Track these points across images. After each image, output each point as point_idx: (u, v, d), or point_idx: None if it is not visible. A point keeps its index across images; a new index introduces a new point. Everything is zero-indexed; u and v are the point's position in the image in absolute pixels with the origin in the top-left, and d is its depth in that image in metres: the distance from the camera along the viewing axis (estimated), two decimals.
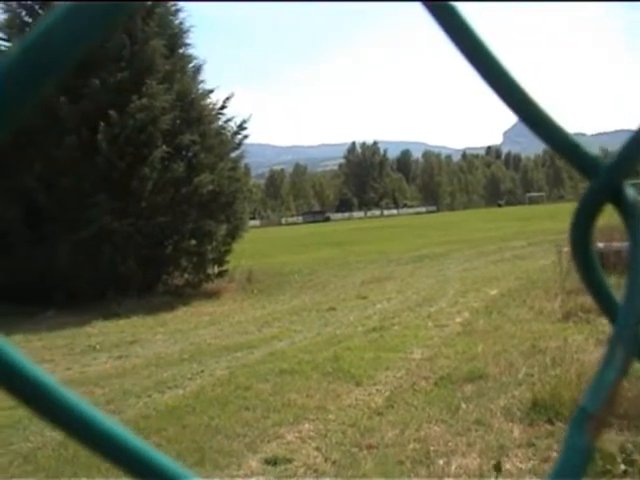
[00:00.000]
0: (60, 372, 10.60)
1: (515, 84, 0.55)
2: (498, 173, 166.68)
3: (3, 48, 19.58)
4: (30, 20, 19.55)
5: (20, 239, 18.22)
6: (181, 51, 20.10)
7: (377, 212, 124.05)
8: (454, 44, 0.54)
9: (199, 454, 6.19)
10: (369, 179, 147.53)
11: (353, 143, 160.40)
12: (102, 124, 17.19)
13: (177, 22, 20.14)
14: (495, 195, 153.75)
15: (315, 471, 5.64)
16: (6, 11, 19.71)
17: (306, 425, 6.86)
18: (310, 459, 5.91)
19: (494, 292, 15.39)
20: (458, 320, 12.31)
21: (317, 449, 6.14)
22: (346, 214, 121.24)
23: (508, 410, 6.81)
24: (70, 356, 11.94)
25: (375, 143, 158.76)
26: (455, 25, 0.53)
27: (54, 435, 7.15)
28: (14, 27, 19.47)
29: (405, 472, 5.48)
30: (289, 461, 5.88)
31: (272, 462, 5.88)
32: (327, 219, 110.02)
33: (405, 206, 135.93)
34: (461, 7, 0.55)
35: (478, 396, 7.36)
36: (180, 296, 18.57)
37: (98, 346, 12.61)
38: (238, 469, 5.80)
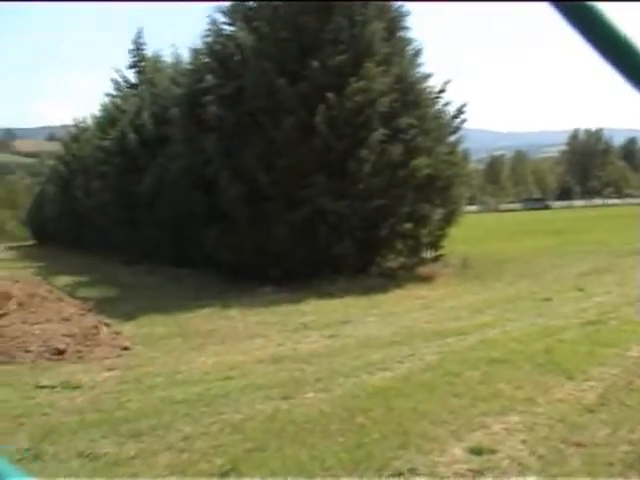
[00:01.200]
0: (272, 348, 10.90)
1: None
2: None
3: (228, 32, 20.32)
4: (254, 4, 20.16)
5: (241, 217, 18.90)
6: (400, 34, 20.02)
7: (599, 201, 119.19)
8: (590, 45, 0.46)
9: (403, 438, 6.14)
10: (592, 167, 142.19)
11: (576, 130, 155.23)
12: (321, 106, 17.44)
13: (396, 5, 20.10)
14: None
15: (520, 464, 5.42)
16: None
17: (513, 417, 6.64)
18: (515, 452, 5.69)
19: None
20: None
21: (523, 442, 5.92)
22: (566, 202, 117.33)
23: None
24: (283, 332, 12.24)
25: (599, 130, 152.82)
26: (594, 26, 0.45)
27: (264, 408, 7.35)
28: (238, 12, 20.15)
29: (614, 475, 5.19)
30: (493, 452, 5.70)
31: (476, 451, 5.73)
32: (546, 207, 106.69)
33: (628, 196, 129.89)
34: (601, 7, 0.47)
35: None
36: (394, 279, 18.58)
37: (310, 324, 12.86)
38: (441, 455, 5.70)
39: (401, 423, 6.56)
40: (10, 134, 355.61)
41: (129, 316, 15.12)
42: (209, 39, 21.09)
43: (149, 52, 36.03)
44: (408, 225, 18.87)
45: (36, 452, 6.31)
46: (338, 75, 17.82)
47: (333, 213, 17.85)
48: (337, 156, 17.97)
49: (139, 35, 37.21)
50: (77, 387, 8.88)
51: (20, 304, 14.65)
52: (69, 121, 53.06)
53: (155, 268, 26.11)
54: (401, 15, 19.94)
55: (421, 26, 24.97)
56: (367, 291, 16.51)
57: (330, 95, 17.44)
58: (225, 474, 5.52)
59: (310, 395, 7.76)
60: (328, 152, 17.91)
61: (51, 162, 60.83)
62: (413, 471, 5.41)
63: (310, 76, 17.74)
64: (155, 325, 13.95)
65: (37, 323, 12.60)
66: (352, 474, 5.43)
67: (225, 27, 20.66)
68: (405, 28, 20.10)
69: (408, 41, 20.14)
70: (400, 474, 5.37)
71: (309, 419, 6.84)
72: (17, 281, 19.90)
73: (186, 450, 6.17)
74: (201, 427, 6.81)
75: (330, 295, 16.08)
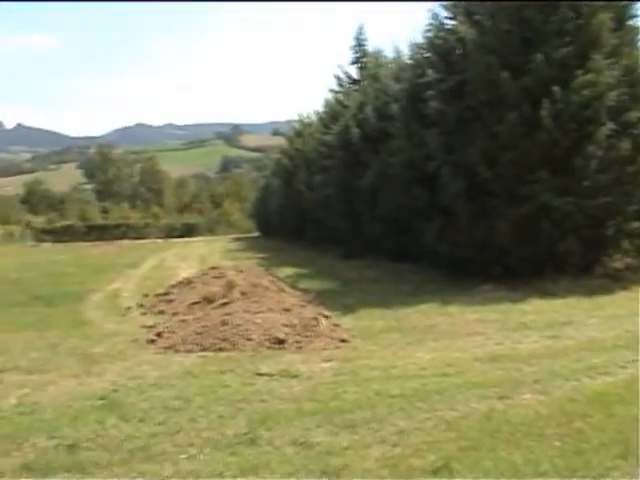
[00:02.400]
0: (491, 346, 10.77)
1: None
2: None
3: (450, 26, 20.19)
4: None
5: (462, 212, 18.76)
6: (630, 23, 19.01)
7: None
8: None
9: (623, 447, 5.89)
10: None
11: None
12: (545, 100, 16.99)
13: None
14: None
15: None
16: None
17: None
18: None
19: None
20: None
21: None
22: None
23: None
24: (502, 331, 12.04)
25: None
26: None
27: (479, 407, 7.29)
28: (459, 6, 19.98)
29: None
30: None
31: None
32: None
33: None
34: None
35: None
36: (619, 280, 17.78)
37: (531, 324, 12.58)
38: None
39: (621, 431, 6.33)
40: (238, 129, 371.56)
41: (348, 309, 15.39)
42: (430, 34, 21.07)
43: (371, 48, 36.49)
44: (636, 224, 18.05)
45: (252, 437, 6.59)
46: (563, 68, 17.26)
47: (557, 210, 17.35)
48: (562, 151, 17.44)
49: (360, 31, 37.73)
50: (295, 376, 9.15)
51: (243, 293, 15.31)
52: (293, 116, 54.50)
53: (374, 262, 26.41)
54: (631, 2, 18.99)
55: None
56: (591, 292, 15.89)
57: (556, 89, 16.96)
58: (437, 471, 5.53)
59: (527, 396, 7.63)
60: (553, 147, 17.41)
61: (275, 156, 62.69)
62: None
63: (534, 69, 17.29)
64: (373, 319, 14.10)
65: (259, 312, 13.08)
66: None
67: (446, 21, 20.57)
68: (635, 16, 19.14)
69: (638, 30, 19.19)
70: None
71: (525, 421, 6.73)
72: (241, 271, 20.83)
73: (399, 444, 6.23)
74: (415, 422, 6.85)
75: (552, 295, 15.61)
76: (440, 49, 20.19)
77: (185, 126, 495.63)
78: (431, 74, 20.06)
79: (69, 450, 6.48)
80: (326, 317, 13.19)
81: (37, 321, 15.93)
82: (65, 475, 5.89)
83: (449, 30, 20.12)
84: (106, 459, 6.20)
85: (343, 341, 11.74)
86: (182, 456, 6.19)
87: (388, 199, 24.61)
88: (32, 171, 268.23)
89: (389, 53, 31.85)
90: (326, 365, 9.90)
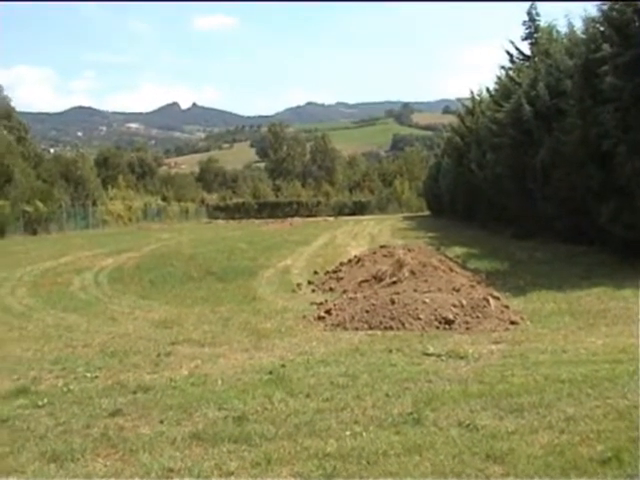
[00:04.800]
0: None
1: None
2: None
3: None
4: None
5: (638, 193, 18.09)
6: None
7: None
8: None
9: None
10: None
11: None
12: None
13: None
14: None
15: None
16: None
17: None
18: None
19: None
20: None
21: None
22: None
23: None
24: None
25: None
26: None
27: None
28: None
29: None
30: None
31: None
32: None
33: None
34: None
35: None
36: None
37: None
38: None
39: None
40: (408, 107, 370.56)
41: (518, 290, 15.20)
42: (605, 6, 20.32)
43: (543, 23, 35.55)
44: None
45: (417, 417, 6.64)
46: None
47: None
48: None
49: (533, 6, 36.81)
50: (462, 357, 9.15)
51: (412, 272, 15.32)
52: (465, 94, 53.88)
53: (546, 243, 25.92)
54: None
55: None
56: None
57: None
58: (606, 461, 5.38)
59: None
60: None
61: (446, 134, 62.19)
62: None
63: None
64: (544, 301, 13.84)
65: (428, 292, 13.09)
66: None
67: None
68: None
69: None
70: None
71: None
72: (411, 250, 20.84)
73: (566, 431, 6.12)
74: (584, 409, 6.71)
75: None
76: (616, 22, 19.43)
77: (356, 104, 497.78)
78: (606, 48, 19.33)
79: (237, 422, 6.77)
80: (496, 298, 13.04)
81: (210, 296, 16.59)
82: (232, 446, 6.12)
83: (626, 1, 19.33)
84: (272, 432, 6.42)
85: (513, 323, 11.60)
86: (346, 433, 6.32)
87: (561, 178, 24.01)
88: (206, 150, 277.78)
89: (562, 28, 30.94)
90: (494, 347, 9.84)
